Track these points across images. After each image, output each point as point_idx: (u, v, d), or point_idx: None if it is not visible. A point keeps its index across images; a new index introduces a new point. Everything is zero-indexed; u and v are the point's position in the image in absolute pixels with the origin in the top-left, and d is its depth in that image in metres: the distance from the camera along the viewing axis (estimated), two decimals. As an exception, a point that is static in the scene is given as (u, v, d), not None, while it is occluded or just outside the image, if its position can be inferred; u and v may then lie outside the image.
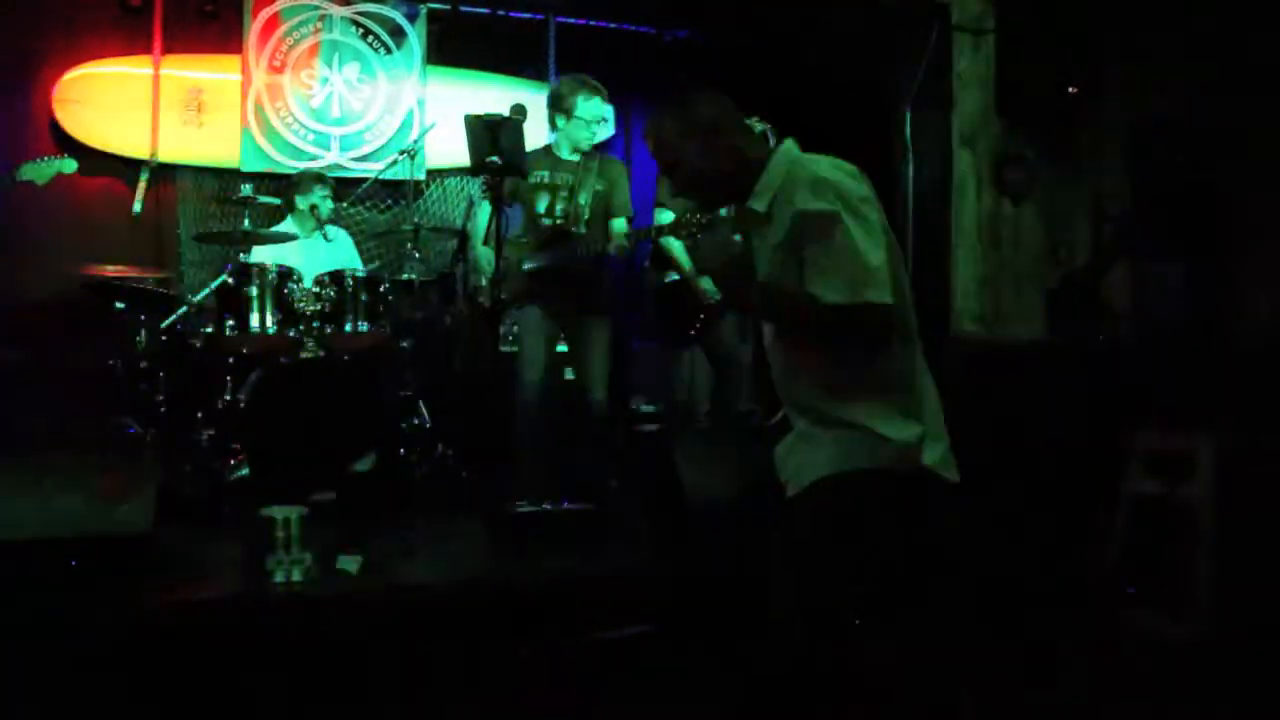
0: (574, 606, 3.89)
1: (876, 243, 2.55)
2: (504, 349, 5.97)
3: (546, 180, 5.39)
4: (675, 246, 5.52)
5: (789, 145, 2.77)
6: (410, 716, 3.36)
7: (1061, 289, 6.60)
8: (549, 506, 4.56)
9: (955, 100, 6.31)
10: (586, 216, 5.32)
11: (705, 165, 2.77)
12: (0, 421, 5.93)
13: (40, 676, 3.26)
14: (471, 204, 6.16)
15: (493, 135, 4.70)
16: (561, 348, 5.65)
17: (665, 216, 5.40)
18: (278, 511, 3.84)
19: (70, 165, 5.39)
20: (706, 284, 5.39)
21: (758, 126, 5.27)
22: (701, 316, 5.40)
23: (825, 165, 2.67)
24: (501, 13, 7.60)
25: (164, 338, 5.64)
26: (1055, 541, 4.70)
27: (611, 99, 7.53)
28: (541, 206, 5.37)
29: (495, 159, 4.67)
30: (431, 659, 3.57)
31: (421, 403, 5.86)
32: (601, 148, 7.30)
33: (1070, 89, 6.35)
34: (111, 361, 5.87)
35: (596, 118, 5.39)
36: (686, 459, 4.54)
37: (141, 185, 6.31)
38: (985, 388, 5.72)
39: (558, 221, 5.31)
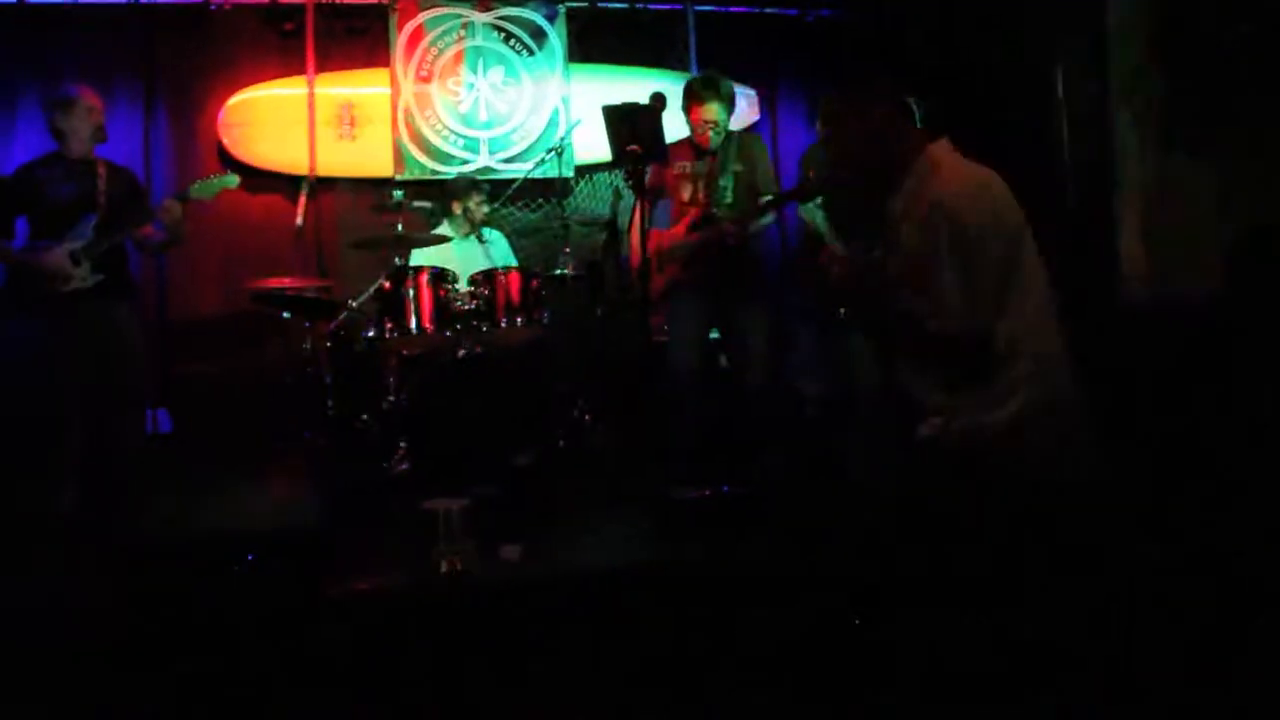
0: (735, 592, 3.86)
1: (985, 270, 2.64)
2: (658, 338, 6.00)
3: (688, 169, 5.42)
4: (821, 224, 5.45)
5: (937, 147, 2.81)
6: (574, 702, 3.37)
7: (1241, 245, 6.27)
8: (709, 492, 4.53)
9: (1111, 54, 6.05)
10: (729, 200, 5.31)
11: (863, 147, 2.84)
12: (184, 427, 6.26)
13: (223, 664, 3.41)
14: (618, 196, 6.20)
15: (631, 124, 4.72)
16: (714, 334, 5.63)
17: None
18: (441, 504, 3.91)
19: (233, 181, 5.62)
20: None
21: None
22: None
23: (954, 182, 2.72)
24: (640, 5, 7.65)
25: (329, 343, 5.83)
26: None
27: (754, 83, 7.54)
28: (685, 194, 5.41)
29: (635, 148, 4.68)
30: (593, 645, 3.59)
31: (580, 394, 5.91)
32: (747, 130, 7.29)
33: (1241, 27, 6.01)
34: (282, 368, 6.12)
35: (706, 120, 5.36)
36: (848, 438, 4.48)
37: (302, 199, 6.52)
38: (1158, 351, 5.48)
39: (701, 205, 5.32)
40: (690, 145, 5.49)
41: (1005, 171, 2.85)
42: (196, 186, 5.52)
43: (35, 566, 4.66)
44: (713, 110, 5.34)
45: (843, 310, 5.38)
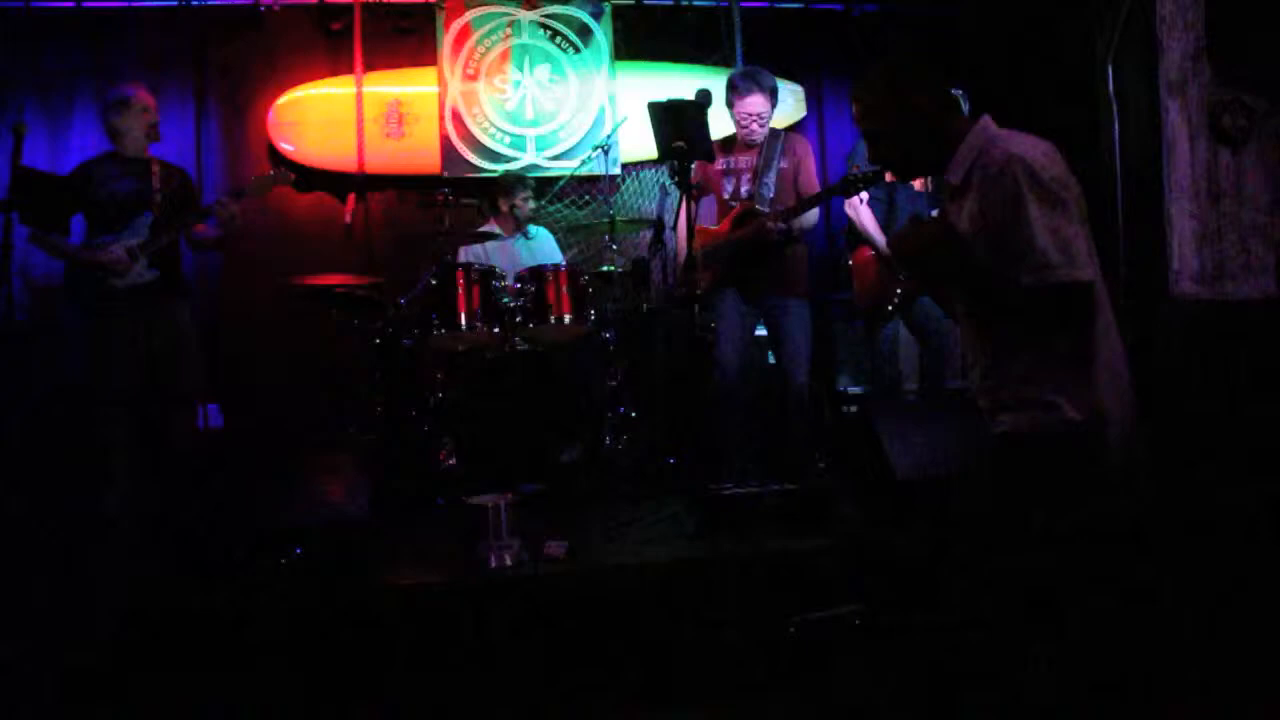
0: (781, 586, 3.86)
1: (1070, 219, 2.53)
2: (704, 335, 6.00)
3: (732, 165, 5.44)
4: (867, 221, 5.45)
5: (986, 120, 2.72)
6: (619, 695, 3.39)
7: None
8: (755, 488, 4.53)
9: (1160, 47, 5.98)
10: (771, 196, 5.30)
11: (904, 134, 2.76)
12: (234, 422, 6.33)
13: (271, 656, 3.45)
14: (664, 193, 6.21)
15: (676, 121, 4.72)
16: (761, 330, 5.63)
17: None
18: (487, 500, 3.95)
19: (288, 179, 5.70)
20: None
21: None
22: (898, 291, 5.29)
23: (1021, 142, 2.62)
24: (685, 1, 7.65)
25: (377, 340, 5.88)
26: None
27: (800, 78, 7.52)
28: (728, 191, 5.43)
29: (681, 144, 4.68)
30: (639, 641, 3.60)
31: (626, 392, 5.92)
32: (794, 127, 7.28)
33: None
34: (331, 365, 6.18)
35: (749, 113, 5.36)
36: (892, 436, 4.45)
37: (351, 198, 6.59)
38: (1210, 350, 5.41)
39: (744, 202, 5.33)
40: (735, 142, 5.50)
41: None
42: (252, 184, 5.61)
43: (88, 560, 4.75)
44: (755, 103, 5.34)
45: (891, 305, 5.36)
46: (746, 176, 5.40)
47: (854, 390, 6.63)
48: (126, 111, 5.49)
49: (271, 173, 5.71)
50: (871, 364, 5.88)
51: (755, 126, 5.38)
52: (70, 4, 6.91)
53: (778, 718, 3.23)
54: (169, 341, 5.43)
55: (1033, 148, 2.60)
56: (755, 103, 5.34)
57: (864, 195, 5.20)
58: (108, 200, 5.37)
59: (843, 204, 5.54)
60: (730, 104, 5.40)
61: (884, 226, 5.44)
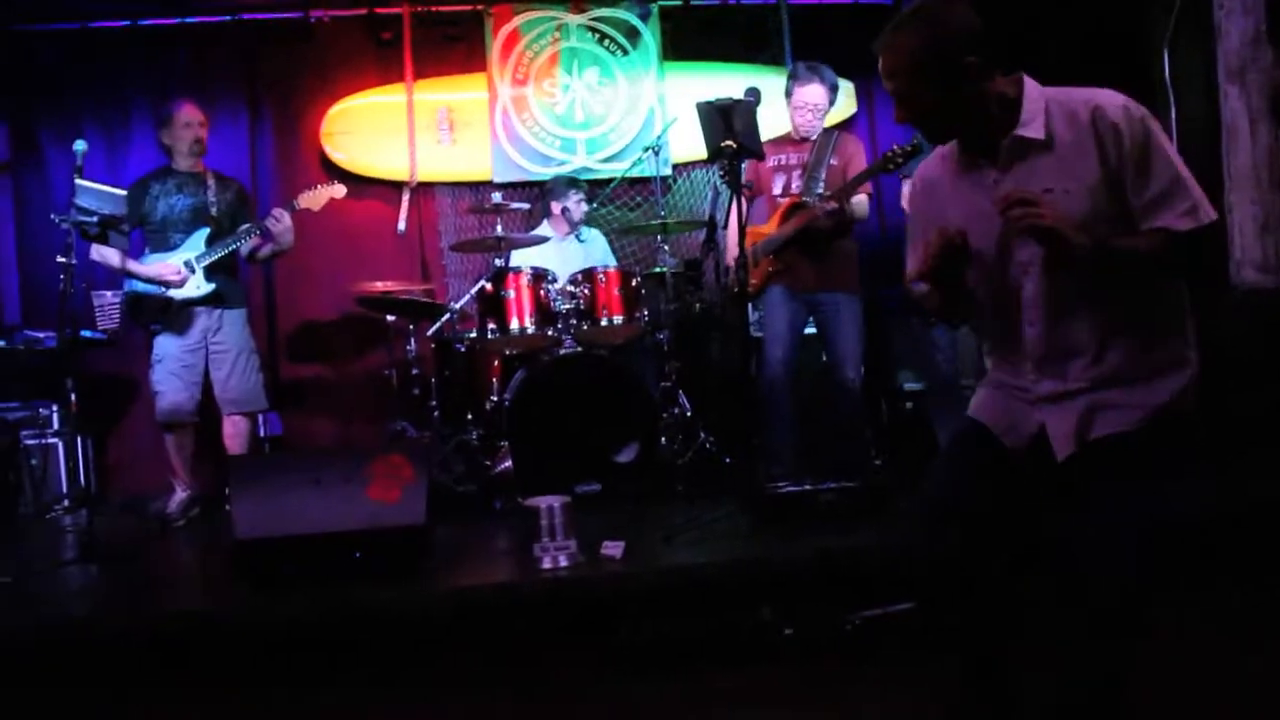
0: (837, 585, 3.84)
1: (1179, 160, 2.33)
2: (756, 334, 5.99)
3: (783, 162, 5.42)
4: None
5: (1028, 78, 2.48)
6: (676, 695, 3.39)
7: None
8: (809, 486, 4.51)
9: (1219, 31, 5.87)
10: (821, 190, 5.28)
11: (946, 94, 2.42)
12: (293, 429, 6.43)
13: (328, 659, 3.50)
14: (716, 192, 6.19)
15: (726, 120, 4.71)
16: (810, 329, 5.61)
17: None
18: (542, 502, 3.96)
19: (340, 191, 5.78)
20: None
21: None
22: None
23: (1099, 93, 2.40)
24: (734, 1, 7.63)
25: (432, 344, 5.93)
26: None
27: (850, 75, 7.48)
28: (778, 188, 5.41)
29: (730, 143, 4.67)
30: (696, 640, 3.60)
31: (681, 392, 5.92)
32: (844, 124, 7.24)
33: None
34: (387, 370, 6.24)
35: (809, 104, 5.34)
36: (949, 432, 4.42)
37: (404, 204, 6.65)
38: (1273, 339, 5.31)
39: (793, 196, 5.32)
40: (787, 140, 5.49)
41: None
42: (304, 196, 5.68)
43: (150, 565, 4.85)
44: (814, 93, 5.32)
45: None
46: (798, 173, 5.38)
47: (911, 387, 6.57)
48: (172, 126, 5.62)
49: (319, 186, 5.78)
50: (929, 359, 5.81)
51: (811, 118, 5.36)
52: (126, 22, 7.03)
53: (834, 718, 3.21)
54: (226, 352, 5.54)
55: (1113, 96, 2.38)
56: (814, 93, 5.32)
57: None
58: (164, 215, 5.50)
59: (898, 199, 5.50)
60: (789, 93, 5.39)
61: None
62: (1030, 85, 2.46)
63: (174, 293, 5.42)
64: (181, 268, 5.42)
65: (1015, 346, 2.51)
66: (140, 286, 5.48)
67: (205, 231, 5.51)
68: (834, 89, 5.41)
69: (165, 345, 5.49)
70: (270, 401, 6.11)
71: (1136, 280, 2.37)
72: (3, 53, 6.95)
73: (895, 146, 4.84)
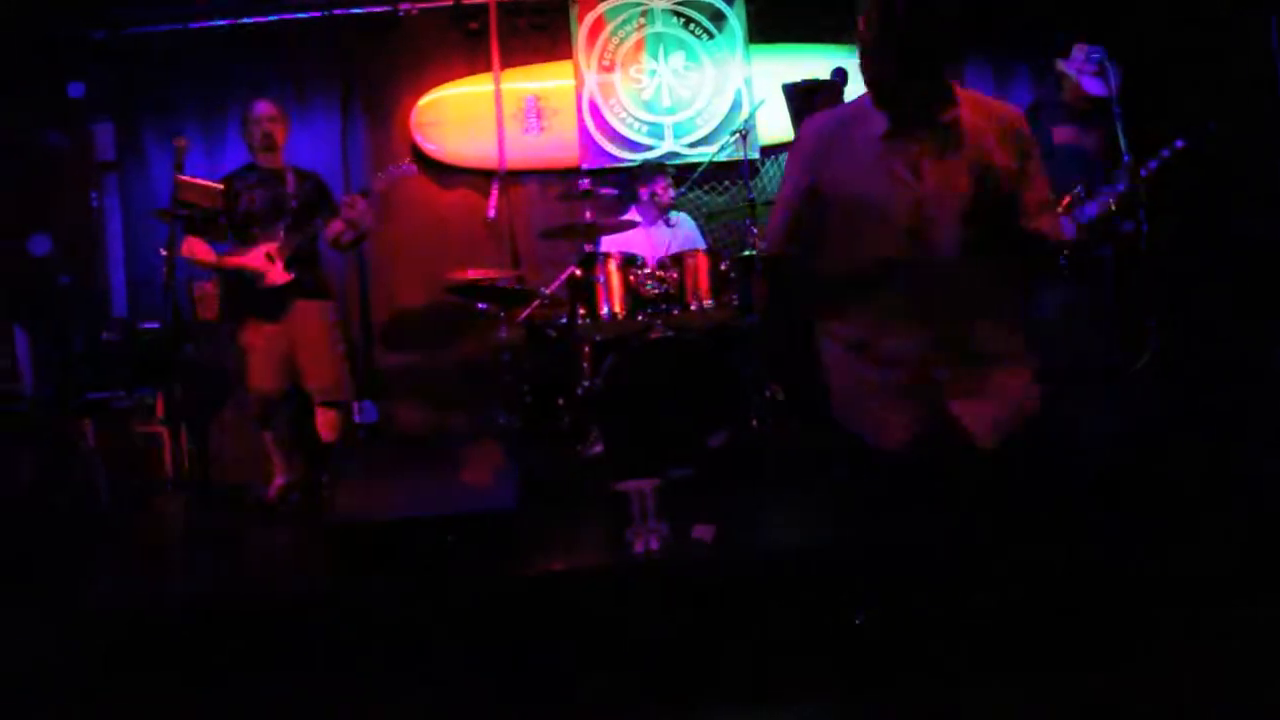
0: (930, 572, 3.80)
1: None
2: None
3: None
4: None
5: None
6: (771, 678, 3.38)
7: None
8: (904, 470, 4.45)
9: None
10: None
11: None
12: (387, 416, 6.53)
13: (422, 642, 3.55)
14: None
15: (812, 101, 4.69)
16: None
17: None
18: (634, 486, 3.97)
19: (409, 171, 5.85)
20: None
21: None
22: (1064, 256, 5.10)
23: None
24: (819, -20, 7.55)
25: (523, 331, 5.98)
26: None
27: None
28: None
29: (817, 123, 4.62)
30: (789, 624, 3.58)
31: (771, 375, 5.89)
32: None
33: None
34: (478, 357, 6.31)
35: None
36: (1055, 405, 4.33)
37: (493, 193, 6.69)
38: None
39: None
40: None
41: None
42: (375, 180, 5.80)
43: (250, 549, 4.97)
44: None
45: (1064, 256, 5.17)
46: None
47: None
48: (243, 125, 5.82)
49: (389, 167, 5.88)
50: (1058, 337, 5.65)
51: None
52: (224, 21, 7.19)
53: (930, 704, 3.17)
54: (310, 342, 5.67)
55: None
56: None
57: None
58: (246, 211, 5.64)
59: None
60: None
61: None
62: (956, 85, 2.75)
63: (257, 284, 5.57)
64: (263, 259, 5.55)
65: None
66: (226, 279, 5.67)
67: (284, 223, 5.64)
68: None
69: (252, 336, 5.64)
70: (363, 389, 6.21)
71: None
72: (112, 56, 7.16)
73: None
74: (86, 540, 5.13)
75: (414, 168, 5.93)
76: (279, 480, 5.73)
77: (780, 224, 2.92)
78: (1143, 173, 5.16)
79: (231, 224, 5.65)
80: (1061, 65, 5.43)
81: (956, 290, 2.60)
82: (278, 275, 5.57)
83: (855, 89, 5.10)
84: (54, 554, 4.56)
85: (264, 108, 5.80)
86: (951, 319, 2.61)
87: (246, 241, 5.63)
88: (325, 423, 5.73)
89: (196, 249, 5.56)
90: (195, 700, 3.47)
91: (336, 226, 5.66)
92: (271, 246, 5.57)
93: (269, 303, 5.61)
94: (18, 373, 5.64)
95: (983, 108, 2.63)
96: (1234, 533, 3.62)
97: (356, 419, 6.28)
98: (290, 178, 5.78)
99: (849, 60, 5.64)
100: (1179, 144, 5.12)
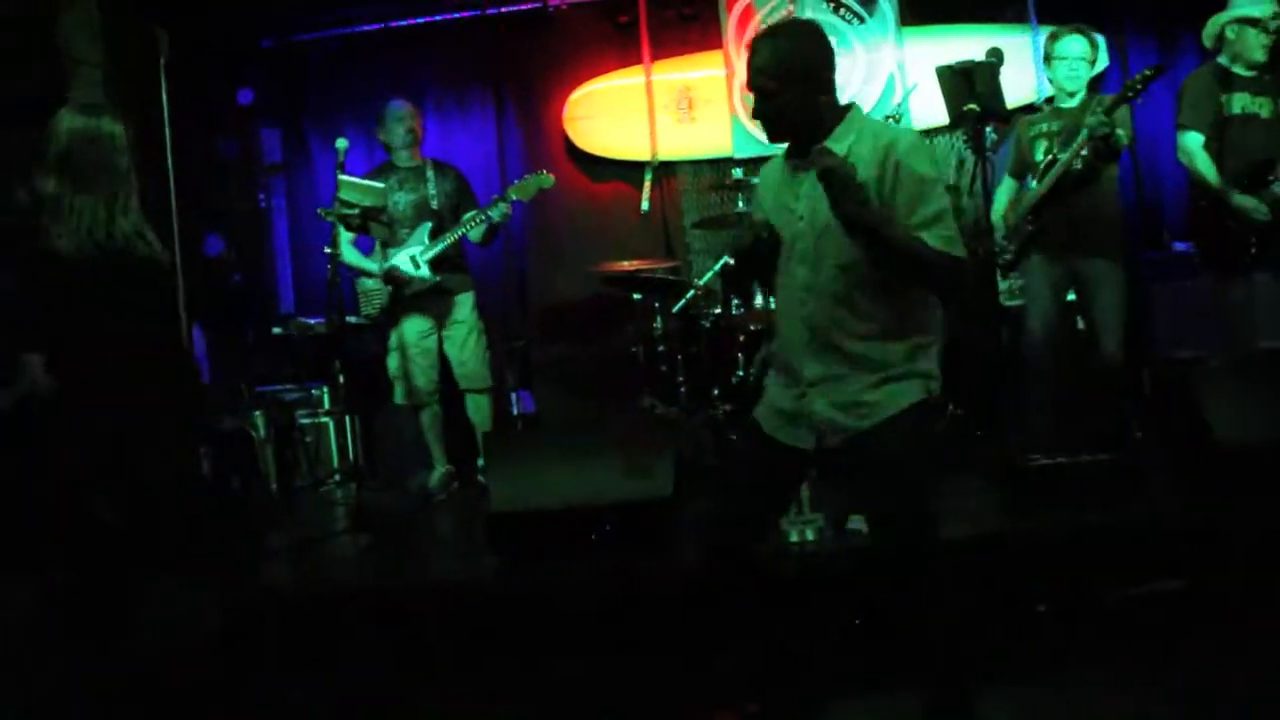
0: (1096, 561, 3.70)
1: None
2: (1008, 303, 5.81)
3: (1044, 129, 5.14)
4: (1201, 163, 5.02)
5: (859, 108, 2.87)
6: (927, 669, 3.33)
7: None
8: (1065, 459, 4.33)
9: None
10: (1085, 153, 4.98)
11: (794, 107, 2.81)
12: (545, 406, 6.64)
13: (578, 629, 3.60)
14: (960, 162, 6.03)
15: (968, 83, 4.59)
16: (1071, 296, 5.35)
17: (1193, 140, 4.98)
18: (787, 474, 3.95)
19: (549, 181, 5.83)
20: (1244, 201, 4.88)
21: None
22: (1253, 239, 4.88)
23: (907, 132, 2.97)
24: (972, -40, 7.38)
25: (678, 322, 6.01)
26: None
27: (1101, 30, 7.13)
28: (1039, 154, 5.12)
29: (973, 106, 4.53)
30: (945, 615, 3.52)
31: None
32: (1097, 79, 6.88)
33: None
34: (634, 348, 6.36)
35: (1072, 55, 5.05)
36: (1218, 400, 4.17)
37: (646, 184, 6.76)
38: None
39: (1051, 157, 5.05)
40: (1049, 105, 5.24)
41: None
42: (515, 187, 5.78)
43: (412, 536, 5.12)
44: (1078, 45, 5.04)
45: (1252, 248, 4.95)
46: (1059, 139, 5.09)
47: (1184, 355, 6.18)
48: (383, 124, 5.90)
49: (528, 176, 5.86)
50: (1219, 318, 5.39)
51: (1079, 69, 5.06)
52: (383, 25, 7.40)
53: (1094, 699, 3.10)
54: (458, 335, 5.82)
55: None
56: (1077, 44, 5.04)
57: None
58: (388, 211, 5.69)
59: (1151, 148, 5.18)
60: (1050, 53, 5.10)
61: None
62: (851, 114, 2.86)
63: (403, 288, 5.72)
64: (409, 263, 5.68)
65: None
66: (372, 283, 5.84)
67: (428, 226, 5.76)
68: (1095, 45, 5.14)
69: (399, 334, 5.82)
70: (520, 380, 6.31)
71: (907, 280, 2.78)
72: (280, 64, 7.46)
73: (1137, 74, 4.55)
74: (257, 526, 5.35)
75: (552, 178, 5.90)
76: (440, 468, 5.88)
77: None
78: None
79: (373, 227, 5.71)
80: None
81: (831, 307, 2.77)
82: (424, 278, 5.70)
83: (1011, 70, 5.00)
84: (228, 539, 4.77)
85: (405, 105, 5.91)
86: (824, 334, 2.78)
87: (390, 244, 5.78)
88: (475, 411, 5.89)
89: (344, 252, 5.68)
90: (357, 685, 3.59)
91: (479, 228, 5.74)
92: (415, 250, 5.71)
93: (417, 301, 5.77)
94: (197, 367, 5.90)
95: (870, 134, 2.78)
96: None
97: (514, 410, 6.41)
98: (431, 175, 5.88)
99: (1005, 40, 5.53)
100: None
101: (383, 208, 5.46)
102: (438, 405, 5.89)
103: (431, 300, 5.80)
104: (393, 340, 5.86)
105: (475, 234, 5.78)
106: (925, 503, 2.83)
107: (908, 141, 2.76)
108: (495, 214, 5.64)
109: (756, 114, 2.90)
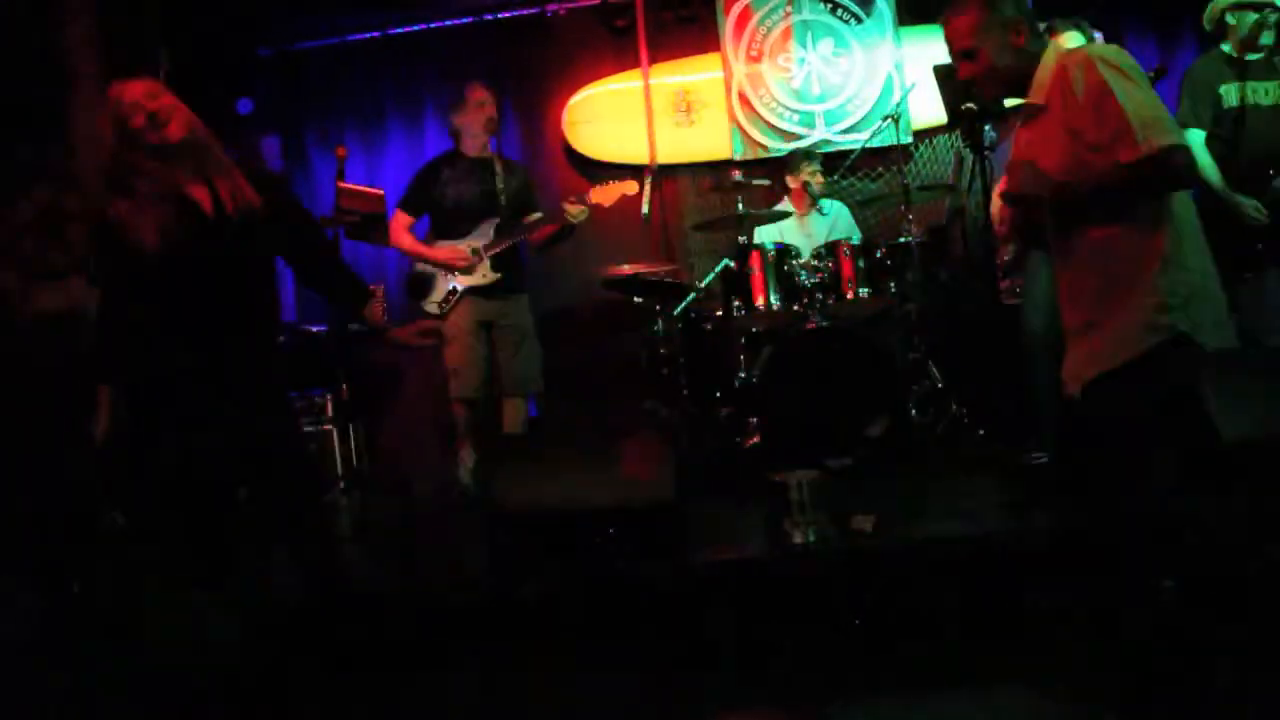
0: (1096, 560, 3.70)
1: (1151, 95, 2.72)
2: (1008, 302, 5.81)
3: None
4: (1202, 162, 5.03)
5: (1061, 41, 2.95)
6: (932, 667, 3.34)
7: None
8: (1065, 459, 4.34)
9: None
10: None
11: (1001, 61, 2.96)
12: (548, 411, 6.63)
13: (581, 633, 3.61)
14: (960, 161, 6.03)
15: (965, 82, 4.56)
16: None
17: (1194, 137, 4.98)
18: (792, 476, 3.97)
19: (632, 188, 5.82)
20: (1244, 202, 4.89)
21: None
22: (1258, 246, 4.90)
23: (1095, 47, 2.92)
24: (969, -42, 7.36)
25: (679, 324, 6.02)
26: None
27: (1102, 28, 7.12)
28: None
29: (971, 105, 4.52)
30: (951, 614, 3.53)
31: (931, 363, 5.81)
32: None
33: None
34: (635, 351, 6.37)
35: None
36: (1224, 396, 4.16)
37: (646, 187, 6.77)
38: None
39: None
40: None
41: None
42: (596, 190, 5.72)
43: (416, 542, 5.13)
44: (1072, 39, 5.05)
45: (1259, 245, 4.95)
46: None
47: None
48: (462, 109, 5.70)
49: (610, 181, 5.82)
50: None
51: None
52: (381, 32, 7.41)
53: (1102, 697, 3.10)
54: (513, 337, 5.64)
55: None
56: (1072, 38, 5.06)
57: None
58: (453, 202, 5.59)
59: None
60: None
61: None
62: (1046, 53, 2.95)
63: (461, 279, 5.54)
64: (469, 255, 5.54)
65: None
66: (424, 269, 5.63)
67: (494, 221, 5.58)
68: (1091, 39, 5.14)
69: (456, 326, 5.56)
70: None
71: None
72: (279, 73, 7.47)
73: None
74: (265, 535, 5.34)
75: (636, 185, 5.88)
76: (469, 462, 5.70)
77: None
78: None
79: (435, 216, 5.65)
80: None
81: None
82: (483, 274, 5.55)
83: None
84: (237, 548, 4.77)
85: (484, 91, 5.69)
86: None
87: (451, 235, 5.60)
88: (513, 416, 5.70)
89: (403, 238, 5.58)
90: (364, 692, 3.59)
91: (543, 231, 5.64)
92: (478, 243, 5.54)
93: (472, 299, 5.57)
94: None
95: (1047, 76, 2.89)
96: None
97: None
98: (499, 171, 5.66)
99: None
100: None
101: (382, 215, 5.44)
102: (476, 410, 5.70)
103: (486, 299, 5.59)
104: (449, 332, 5.54)
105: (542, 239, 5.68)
106: None
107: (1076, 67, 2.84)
108: (574, 217, 5.52)
109: None
